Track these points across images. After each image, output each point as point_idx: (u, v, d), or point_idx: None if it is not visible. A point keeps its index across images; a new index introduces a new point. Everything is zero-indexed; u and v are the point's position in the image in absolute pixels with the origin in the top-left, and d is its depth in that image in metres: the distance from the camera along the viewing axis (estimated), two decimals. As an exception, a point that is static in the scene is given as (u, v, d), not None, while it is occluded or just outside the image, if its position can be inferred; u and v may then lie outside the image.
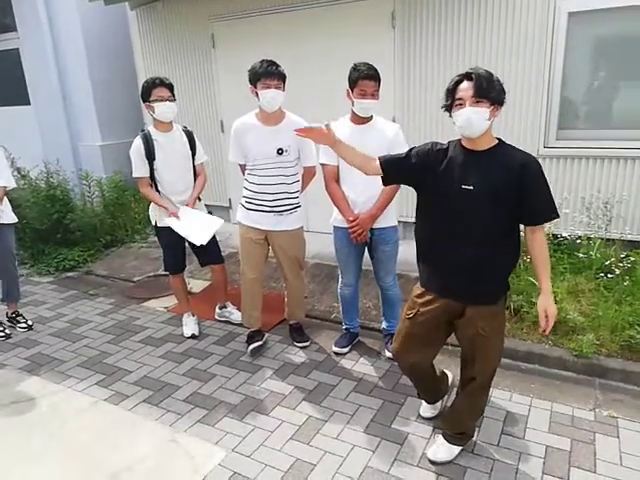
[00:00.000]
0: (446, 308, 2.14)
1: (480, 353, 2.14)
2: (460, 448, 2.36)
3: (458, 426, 2.35)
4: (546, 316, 2.03)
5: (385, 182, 2.26)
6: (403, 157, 2.14)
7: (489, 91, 1.85)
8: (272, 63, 2.88)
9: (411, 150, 2.15)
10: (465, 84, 1.89)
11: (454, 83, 1.93)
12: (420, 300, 2.22)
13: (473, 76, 1.86)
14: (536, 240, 2.02)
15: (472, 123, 1.88)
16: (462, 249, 2.02)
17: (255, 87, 2.89)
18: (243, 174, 3.22)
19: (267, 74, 2.85)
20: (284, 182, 3.05)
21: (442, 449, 2.35)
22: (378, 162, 2.17)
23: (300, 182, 3.16)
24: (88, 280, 4.86)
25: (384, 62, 3.92)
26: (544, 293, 2.05)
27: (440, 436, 2.40)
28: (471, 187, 1.95)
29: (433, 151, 2.07)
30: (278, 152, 2.97)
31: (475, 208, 1.97)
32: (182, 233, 3.26)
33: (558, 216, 1.99)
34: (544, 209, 1.97)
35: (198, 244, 3.25)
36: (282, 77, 2.91)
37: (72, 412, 2.81)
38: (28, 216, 5.17)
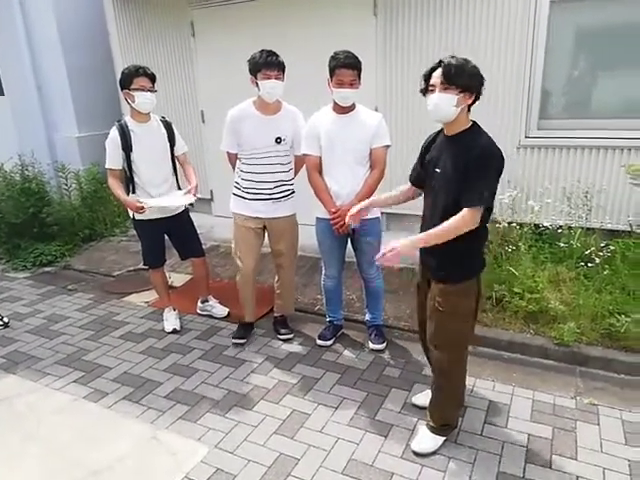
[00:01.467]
0: (424, 278, 2.33)
1: (435, 329, 2.23)
2: (444, 439, 2.37)
3: (437, 417, 2.35)
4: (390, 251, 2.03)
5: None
6: (415, 166, 2.34)
7: (456, 78, 1.92)
8: (272, 53, 2.86)
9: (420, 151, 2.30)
10: (438, 71, 1.97)
11: (429, 69, 2.03)
12: (420, 271, 2.42)
13: (442, 63, 1.95)
14: (456, 217, 1.97)
15: (439, 108, 1.98)
16: (429, 226, 2.10)
17: (255, 77, 2.87)
18: (231, 163, 3.20)
19: (267, 64, 2.83)
20: (281, 170, 3.08)
21: (425, 440, 2.35)
22: (410, 184, 2.39)
23: (293, 169, 3.19)
24: (66, 275, 4.76)
25: (366, 50, 3.87)
26: (407, 238, 2.05)
27: (423, 427, 2.41)
28: (439, 170, 2.09)
29: (426, 143, 2.25)
30: (276, 141, 3.00)
31: (439, 189, 2.09)
32: (165, 203, 3.26)
33: (479, 204, 1.95)
34: (469, 194, 1.95)
35: (186, 204, 3.34)
36: (282, 67, 2.90)
37: (50, 411, 2.74)
38: (3, 210, 5.05)
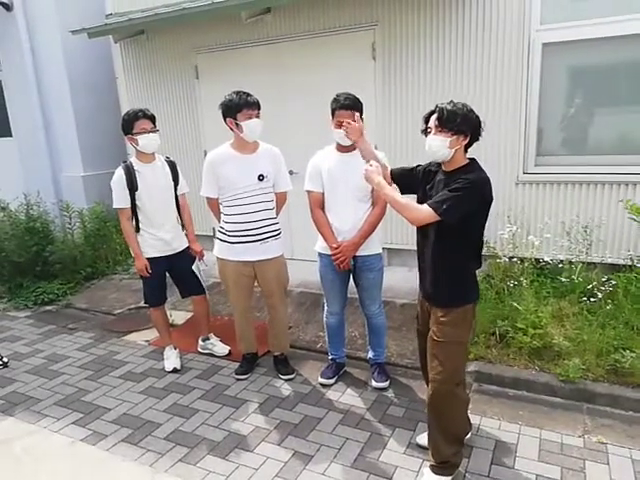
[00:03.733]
0: (428, 311, 2.34)
1: (430, 359, 2.26)
2: (448, 479, 2.29)
3: (435, 453, 2.30)
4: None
5: (401, 191, 2.41)
6: (409, 167, 2.45)
7: (448, 122, 2.05)
8: (249, 94, 2.96)
9: (418, 164, 2.41)
10: (435, 114, 2.12)
11: (429, 113, 2.18)
12: (419, 313, 2.49)
13: (437, 108, 2.10)
14: (416, 204, 2.15)
15: (433, 150, 2.12)
16: (426, 255, 2.27)
17: (235, 118, 2.92)
18: (213, 210, 3.25)
19: (248, 104, 2.91)
20: (266, 208, 3.10)
21: None
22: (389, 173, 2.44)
23: (276, 208, 3.21)
24: (67, 314, 4.74)
25: (365, 92, 3.98)
26: (381, 180, 2.26)
27: (427, 469, 2.34)
28: None
29: (427, 169, 2.32)
30: (259, 178, 3.03)
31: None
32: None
33: (434, 209, 2.03)
34: (437, 198, 2.06)
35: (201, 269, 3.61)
36: (259, 106, 2.99)
37: (47, 454, 2.69)
38: (6, 249, 5.08)
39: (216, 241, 3.23)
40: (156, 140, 3.25)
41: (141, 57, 5.68)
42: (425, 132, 2.18)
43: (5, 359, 3.74)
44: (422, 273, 2.36)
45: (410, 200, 2.16)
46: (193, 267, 3.56)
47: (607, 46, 3.77)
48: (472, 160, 2.17)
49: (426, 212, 2.06)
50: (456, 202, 2.01)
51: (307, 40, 4.66)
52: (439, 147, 2.08)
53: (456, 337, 2.21)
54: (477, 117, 2.10)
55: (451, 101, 2.09)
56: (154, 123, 3.27)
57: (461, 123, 2.04)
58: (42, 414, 3.06)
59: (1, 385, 3.43)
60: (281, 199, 3.24)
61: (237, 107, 2.90)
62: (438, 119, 2.07)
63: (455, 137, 2.06)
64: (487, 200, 2.12)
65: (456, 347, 2.22)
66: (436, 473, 2.29)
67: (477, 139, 2.13)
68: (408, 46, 4.32)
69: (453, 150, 2.08)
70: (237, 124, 2.93)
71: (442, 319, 2.21)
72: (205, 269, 3.67)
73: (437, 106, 2.10)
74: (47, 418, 3.01)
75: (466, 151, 2.15)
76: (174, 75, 5.50)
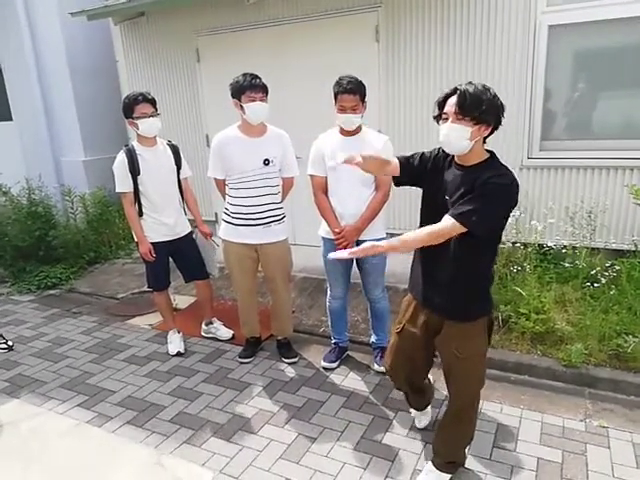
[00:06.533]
0: (428, 321, 2.09)
1: (454, 376, 2.09)
2: (449, 476, 2.25)
3: (445, 455, 2.25)
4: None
5: (396, 183, 2.17)
6: (412, 157, 2.08)
7: (472, 109, 1.73)
8: (255, 76, 2.92)
9: (424, 152, 2.07)
10: (453, 99, 1.78)
11: (444, 96, 1.84)
12: (407, 314, 2.20)
13: (458, 91, 1.76)
14: (441, 224, 1.79)
15: (450, 141, 1.81)
16: (439, 261, 1.95)
17: (239, 100, 2.91)
18: (220, 190, 3.24)
19: (252, 87, 2.88)
20: (270, 192, 3.08)
21: (431, 477, 2.25)
22: (397, 160, 2.06)
23: (281, 192, 3.19)
24: (71, 298, 4.76)
25: (369, 75, 3.93)
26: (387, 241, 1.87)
27: (429, 462, 2.30)
28: (448, 197, 1.89)
29: (437, 156, 2.01)
30: (264, 163, 3.00)
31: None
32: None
33: (460, 221, 1.75)
34: (460, 207, 1.77)
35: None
36: (266, 90, 2.95)
37: (53, 435, 2.72)
38: (9, 234, 5.09)
39: (221, 222, 3.22)
40: (157, 124, 3.22)
41: (142, 40, 5.60)
42: (438, 118, 1.86)
43: (10, 342, 3.76)
44: (429, 281, 2.04)
45: (430, 227, 1.81)
46: (201, 250, 3.57)
47: (614, 28, 3.70)
48: (492, 154, 1.89)
49: (452, 228, 1.76)
50: (489, 214, 1.74)
51: (310, 22, 4.59)
52: (458, 138, 1.77)
53: (482, 348, 2.05)
54: (501, 102, 1.79)
55: (470, 82, 1.76)
56: (155, 107, 3.23)
57: (486, 111, 1.73)
58: (47, 396, 3.09)
59: (7, 368, 3.47)
60: (288, 184, 3.22)
61: (241, 89, 2.88)
62: (459, 105, 1.73)
63: (477, 127, 1.75)
64: (509, 207, 1.84)
65: (482, 358, 2.08)
66: (441, 470, 2.25)
67: (497, 128, 1.83)
68: (412, 28, 4.25)
69: (473, 142, 1.78)
70: (241, 106, 2.91)
71: (466, 334, 1.98)
72: (217, 248, 3.63)
73: (456, 88, 1.76)
74: (52, 400, 3.04)
75: (484, 142, 1.86)
76: (175, 58, 5.44)
